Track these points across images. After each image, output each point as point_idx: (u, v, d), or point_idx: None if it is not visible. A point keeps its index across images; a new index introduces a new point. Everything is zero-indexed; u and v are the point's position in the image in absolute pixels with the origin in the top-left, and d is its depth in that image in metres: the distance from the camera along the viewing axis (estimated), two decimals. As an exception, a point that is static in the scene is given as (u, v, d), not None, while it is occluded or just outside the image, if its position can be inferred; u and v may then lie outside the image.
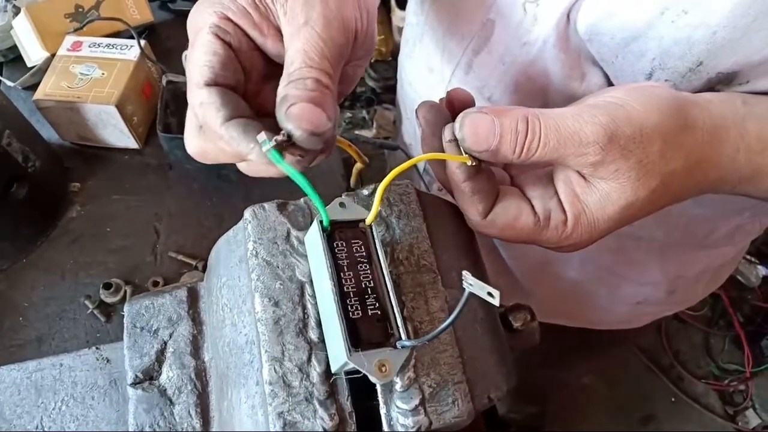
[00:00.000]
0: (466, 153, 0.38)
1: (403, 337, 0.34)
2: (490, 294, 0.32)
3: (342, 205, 0.38)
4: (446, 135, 0.38)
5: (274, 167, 0.35)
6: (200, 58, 0.37)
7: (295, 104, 0.34)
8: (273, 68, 0.40)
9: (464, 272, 0.32)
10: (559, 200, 0.39)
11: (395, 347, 0.34)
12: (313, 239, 0.37)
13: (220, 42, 0.37)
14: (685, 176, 0.37)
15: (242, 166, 0.40)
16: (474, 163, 0.38)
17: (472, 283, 0.32)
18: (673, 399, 1.78)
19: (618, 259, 0.71)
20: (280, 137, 0.34)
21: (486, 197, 0.39)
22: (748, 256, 1.76)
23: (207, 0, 0.39)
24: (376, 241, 0.37)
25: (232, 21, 0.38)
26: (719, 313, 1.85)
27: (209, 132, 0.37)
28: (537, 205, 0.39)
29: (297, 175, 0.35)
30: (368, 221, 0.37)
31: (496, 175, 0.42)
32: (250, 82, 0.40)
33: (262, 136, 0.34)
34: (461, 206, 0.41)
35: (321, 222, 0.36)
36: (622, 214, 0.37)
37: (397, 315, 0.35)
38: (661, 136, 0.36)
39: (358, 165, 0.46)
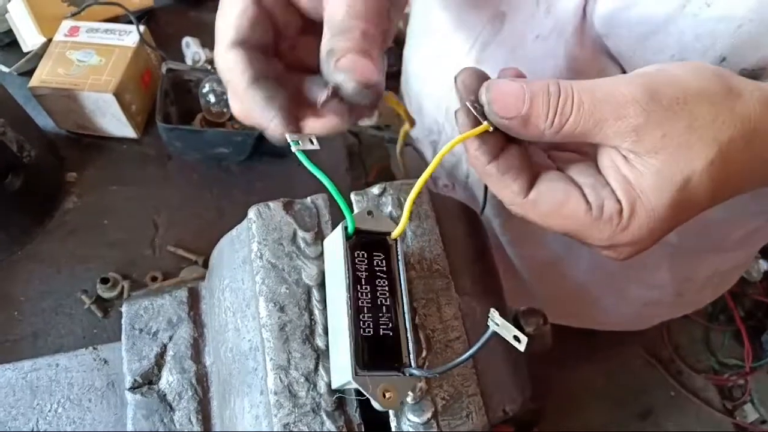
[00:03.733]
0: (490, 122, 0.33)
1: (413, 364, 0.32)
2: (516, 338, 0.29)
3: (370, 213, 0.35)
4: (468, 105, 0.34)
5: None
6: (229, 19, 0.35)
7: (345, 56, 0.33)
8: (308, 23, 0.38)
9: (492, 310, 0.30)
10: (612, 189, 0.33)
11: (403, 374, 0.32)
12: (334, 245, 0.35)
13: (250, 0, 0.36)
14: (744, 147, 0.32)
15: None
16: (492, 129, 0.33)
17: (498, 323, 0.29)
18: (672, 393, 1.78)
19: (628, 261, 0.69)
20: (314, 136, 0.34)
21: (519, 174, 0.34)
22: (751, 251, 1.75)
23: None
24: (399, 257, 0.35)
25: None
26: (720, 308, 1.84)
27: (236, 95, 0.36)
28: (589, 194, 0.34)
29: (324, 177, 0.34)
30: (394, 235, 0.35)
31: (539, 163, 0.36)
32: (286, 38, 0.38)
33: (292, 136, 0.34)
34: (496, 193, 0.36)
35: (345, 228, 0.34)
36: (682, 196, 0.32)
37: (410, 340, 0.32)
38: (708, 98, 0.32)
39: (406, 126, 0.44)
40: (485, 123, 0.33)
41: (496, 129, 0.33)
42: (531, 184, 0.34)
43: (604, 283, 0.74)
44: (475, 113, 0.33)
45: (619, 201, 0.33)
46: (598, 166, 0.35)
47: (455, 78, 0.36)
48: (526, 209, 0.35)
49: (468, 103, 0.33)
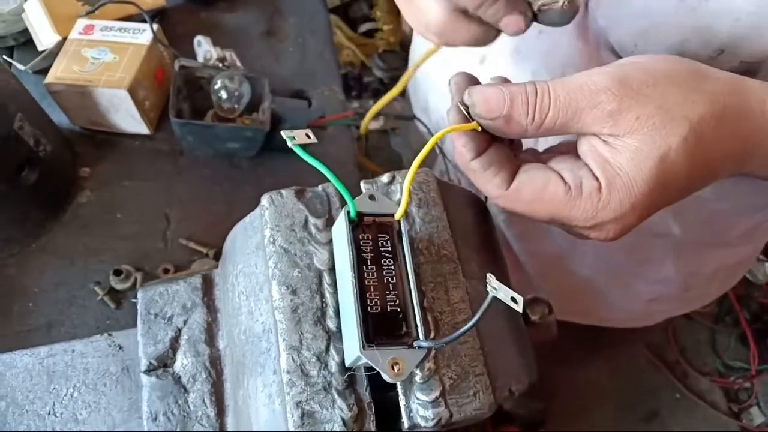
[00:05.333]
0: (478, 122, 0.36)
1: (421, 337, 0.33)
2: (513, 299, 0.31)
3: (372, 197, 0.37)
4: (460, 105, 0.37)
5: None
6: None
7: None
8: None
9: (488, 275, 0.31)
10: (590, 169, 0.35)
11: (411, 346, 0.33)
12: (339, 230, 0.37)
13: None
14: (716, 124, 0.34)
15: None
16: (480, 129, 0.37)
17: (496, 287, 0.31)
18: (677, 395, 1.78)
19: (633, 255, 0.70)
20: (310, 131, 0.36)
21: (501, 167, 0.37)
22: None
23: None
24: (404, 236, 0.36)
25: None
26: (726, 310, 1.84)
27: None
28: (566, 176, 0.36)
29: (322, 166, 0.35)
30: (397, 216, 0.36)
31: (522, 159, 0.39)
32: None
33: (287, 132, 0.36)
34: (480, 188, 0.38)
35: (348, 213, 0.36)
36: (660, 171, 0.34)
37: (417, 314, 0.34)
38: (677, 82, 0.34)
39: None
40: (474, 122, 0.36)
41: (483, 129, 0.36)
42: (512, 178, 0.37)
43: (609, 277, 0.74)
44: (465, 112, 0.36)
45: (597, 179, 0.35)
46: (576, 155, 0.37)
47: (449, 81, 0.39)
48: (509, 200, 0.37)
49: (459, 104, 0.37)
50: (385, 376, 0.32)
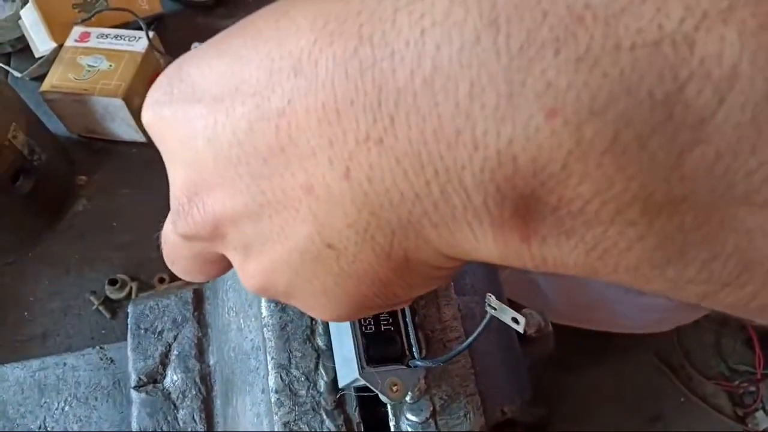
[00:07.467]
0: None
1: (417, 356, 0.32)
2: (515, 320, 0.30)
3: None
4: None
5: None
6: None
7: None
8: None
9: (488, 295, 0.30)
10: None
11: (408, 366, 0.32)
12: None
13: None
14: None
15: None
16: None
17: (495, 307, 0.30)
18: (682, 399, 1.76)
19: None
20: None
21: None
22: (762, 257, 1.73)
23: None
24: None
25: None
26: (731, 314, 1.83)
27: None
28: None
29: None
30: None
31: None
32: None
33: None
34: None
35: None
36: None
37: (411, 332, 0.33)
38: None
39: None
40: None
41: None
42: None
43: (621, 287, 0.73)
44: None
45: None
46: None
47: None
48: None
49: None
50: (383, 398, 0.31)
